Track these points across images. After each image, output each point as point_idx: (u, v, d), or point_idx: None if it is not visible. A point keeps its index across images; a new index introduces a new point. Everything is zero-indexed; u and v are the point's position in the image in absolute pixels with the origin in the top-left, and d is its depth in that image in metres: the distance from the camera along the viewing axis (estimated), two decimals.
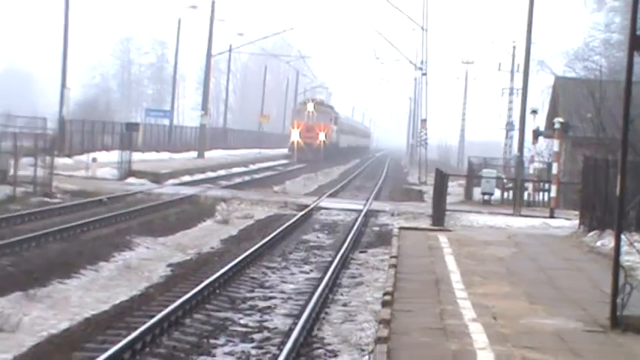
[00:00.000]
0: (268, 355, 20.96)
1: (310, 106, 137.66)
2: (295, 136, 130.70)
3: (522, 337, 20.80)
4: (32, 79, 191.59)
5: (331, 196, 69.36)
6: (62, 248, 34.21)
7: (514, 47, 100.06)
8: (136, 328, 21.69)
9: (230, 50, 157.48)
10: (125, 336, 20.90)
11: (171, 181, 74.71)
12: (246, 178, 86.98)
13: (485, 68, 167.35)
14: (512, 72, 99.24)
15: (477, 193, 69.67)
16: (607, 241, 26.12)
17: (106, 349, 19.74)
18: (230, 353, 21.51)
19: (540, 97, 75.30)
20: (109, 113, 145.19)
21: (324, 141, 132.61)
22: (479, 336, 20.65)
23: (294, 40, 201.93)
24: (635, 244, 25.89)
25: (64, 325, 23.11)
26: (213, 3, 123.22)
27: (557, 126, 64.51)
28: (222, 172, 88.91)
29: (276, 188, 74.77)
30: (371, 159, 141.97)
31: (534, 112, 73.61)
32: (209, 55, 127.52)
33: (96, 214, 45.20)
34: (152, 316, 23.09)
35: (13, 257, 31.66)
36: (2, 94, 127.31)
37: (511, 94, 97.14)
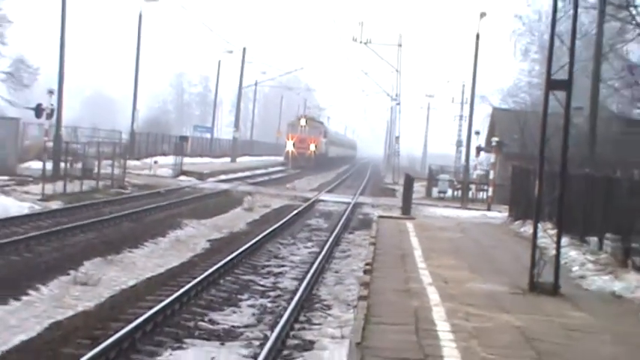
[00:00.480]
0: (280, 308, 21.01)
1: (303, 121, 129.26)
2: (290, 147, 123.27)
3: (465, 297, 20.93)
4: (112, 102, 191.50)
5: (328, 192, 69.36)
6: (131, 226, 34.44)
7: (463, 85, 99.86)
8: (183, 286, 21.90)
9: (256, 84, 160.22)
10: (176, 291, 21.07)
11: (210, 179, 74.50)
12: (266, 177, 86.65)
13: (442, 100, 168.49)
14: (461, 103, 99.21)
15: (434, 191, 69.78)
16: (527, 228, 26.30)
17: (162, 301, 19.93)
18: (252, 305, 21.65)
19: (482, 123, 75.31)
20: (167, 128, 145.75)
21: (314, 151, 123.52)
22: (434, 295, 20.82)
23: (303, 76, 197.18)
24: (548, 231, 25.98)
25: (132, 283, 23.41)
26: (244, 50, 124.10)
27: (493, 144, 64.64)
28: (248, 173, 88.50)
29: (288, 185, 74.44)
30: (357, 165, 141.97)
31: (477, 133, 73.78)
32: (240, 88, 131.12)
33: (156, 202, 45.28)
34: (195, 278, 23.41)
35: (96, 232, 31.93)
36: (90, 113, 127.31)
37: (461, 119, 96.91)
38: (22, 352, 15.65)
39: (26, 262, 24.79)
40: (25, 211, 36.68)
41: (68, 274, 23.19)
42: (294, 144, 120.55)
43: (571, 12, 22.75)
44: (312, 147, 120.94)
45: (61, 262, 24.73)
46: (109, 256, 26.58)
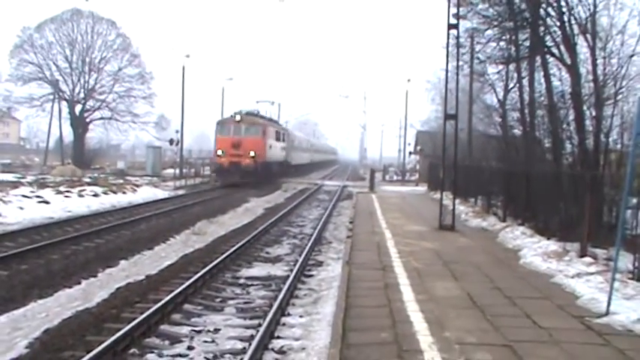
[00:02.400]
0: (303, 244, 21.05)
1: (237, 117, 49.75)
2: (220, 155, 48.94)
3: (404, 233, 21.23)
4: (209, 136, 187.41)
5: (328, 179, 69.35)
6: (222, 202, 34.45)
7: (400, 120, 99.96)
8: (251, 233, 22.09)
9: (286, 124, 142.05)
10: (247, 236, 21.23)
11: None
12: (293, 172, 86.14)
13: (391, 125, 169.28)
14: (400, 128, 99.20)
15: (387, 177, 69.83)
16: (437, 195, 26.65)
17: (241, 240, 20.20)
18: (289, 243, 21.64)
19: (412, 139, 75.30)
20: None
21: (254, 159, 48.44)
22: (387, 234, 21.12)
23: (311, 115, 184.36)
24: (448, 195, 26.36)
25: (223, 232, 23.45)
26: (279, 105, 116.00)
27: (418, 150, 65.17)
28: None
29: (307, 176, 74.29)
30: (340, 166, 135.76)
31: (409, 144, 74.16)
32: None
33: (232, 187, 45.30)
34: (257, 228, 23.56)
35: (202, 206, 31.97)
36: (198, 142, 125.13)
37: (400, 137, 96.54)
38: (167, 270, 16.07)
39: (168, 223, 25.12)
40: (166, 195, 37.32)
41: (189, 229, 23.63)
42: (223, 151, 48.60)
43: (455, 78, 23.24)
44: (252, 153, 48.60)
45: (185, 222, 24.91)
46: (212, 218, 26.82)
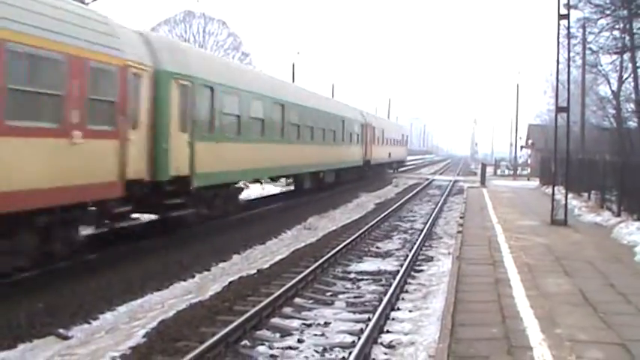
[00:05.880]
0: (414, 239, 20.90)
1: None
2: None
3: (515, 228, 20.83)
4: None
5: (439, 174, 68.91)
6: (333, 197, 34.24)
7: (515, 110, 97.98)
8: (361, 228, 22.08)
9: (411, 126, 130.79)
10: (357, 231, 21.27)
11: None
12: (403, 169, 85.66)
13: (503, 119, 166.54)
14: (513, 122, 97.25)
15: (498, 172, 68.83)
16: (549, 189, 26.00)
17: (352, 235, 20.28)
18: (399, 238, 21.55)
19: (524, 132, 74.02)
20: None
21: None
22: (498, 228, 20.81)
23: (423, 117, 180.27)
24: (560, 190, 25.67)
25: (333, 227, 23.60)
26: (389, 101, 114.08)
27: (530, 144, 63.80)
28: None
29: (417, 171, 73.97)
30: (451, 161, 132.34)
31: (521, 138, 72.80)
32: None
33: (344, 183, 45.43)
34: (367, 224, 23.46)
35: (315, 201, 31.81)
36: None
37: (512, 131, 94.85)
38: (279, 264, 16.24)
39: (279, 220, 25.08)
40: (277, 191, 37.27)
41: (300, 224, 23.79)
42: None
43: (567, 69, 22.59)
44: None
45: (297, 218, 24.98)
46: (321, 214, 26.94)
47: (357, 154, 41.27)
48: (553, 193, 23.74)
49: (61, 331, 10.07)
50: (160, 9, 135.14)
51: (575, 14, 24.26)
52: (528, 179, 55.77)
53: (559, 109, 23.23)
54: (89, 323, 10.70)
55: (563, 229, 21.27)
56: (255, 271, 15.28)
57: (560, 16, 22.09)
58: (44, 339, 9.71)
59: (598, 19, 24.64)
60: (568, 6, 22.33)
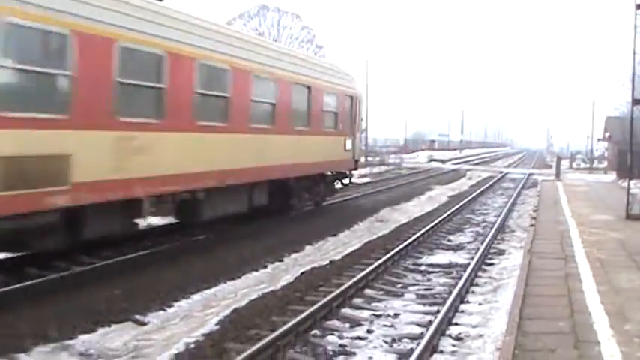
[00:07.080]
0: (486, 232, 20.87)
1: None
2: None
3: (589, 223, 20.54)
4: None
5: (513, 167, 68.11)
6: (405, 190, 34.44)
7: (592, 102, 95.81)
8: (433, 221, 22.07)
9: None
10: (430, 224, 21.29)
11: (448, 162, 73.89)
12: (477, 161, 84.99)
13: (580, 111, 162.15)
14: (592, 119, 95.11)
15: (574, 165, 67.61)
16: (625, 184, 25.46)
17: (422, 229, 20.22)
18: (471, 231, 21.52)
19: (602, 125, 72.43)
20: (423, 136, 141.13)
21: None
22: (571, 222, 20.57)
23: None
24: (637, 184, 25.16)
25: (405, 220, 23.61)
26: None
27: (606, 136, 62.36)
28: (468, 159, 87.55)
29: (492, 164, 73.27)
30: (526, 154, 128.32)
31: (600, 132, 71.31)
32: (462, 123, 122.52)
33: (417, 175, 45.56)
34: (439, 217, 23.43)
35: (388, 194, 32.15)
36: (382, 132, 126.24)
37: (590, 123, 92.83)
38: (350, 255, 16.37)
39: (352, 210, 25.32)
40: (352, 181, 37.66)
41: (372, 216, 23.95)
42: None
43: None
44: None
45: (369, 210, 25.15)
46: (393, 206, 26.99)
47: None
48: (629, 187, 23.28)
49: (137, 316, 10.45)
50: (235, 2, 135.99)
51: None
52: (605, 173, 54.67)
53: (635, 102, 22.70)
54: (164, 310, 11.05)
55: (638, 224, 20.85)
56: (327, 262, 15.45)
57: (638, 6, 21.60)
58: (122, 324, 10.08)
59: None
60: None
